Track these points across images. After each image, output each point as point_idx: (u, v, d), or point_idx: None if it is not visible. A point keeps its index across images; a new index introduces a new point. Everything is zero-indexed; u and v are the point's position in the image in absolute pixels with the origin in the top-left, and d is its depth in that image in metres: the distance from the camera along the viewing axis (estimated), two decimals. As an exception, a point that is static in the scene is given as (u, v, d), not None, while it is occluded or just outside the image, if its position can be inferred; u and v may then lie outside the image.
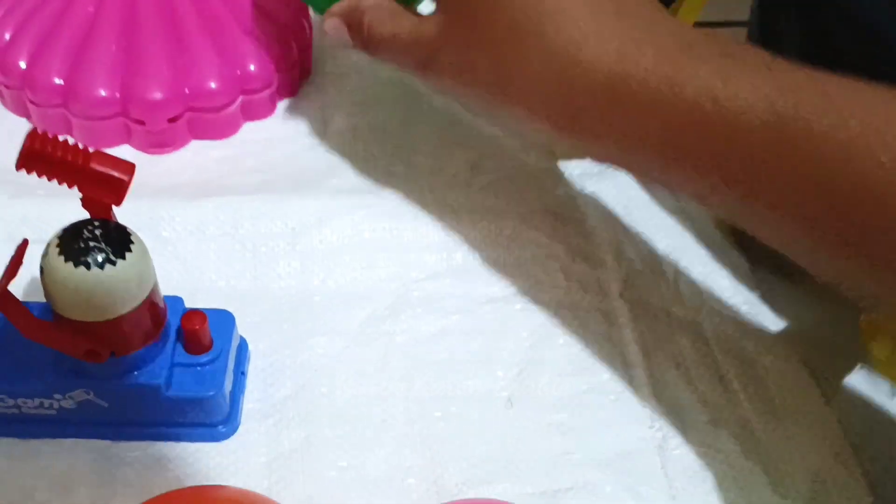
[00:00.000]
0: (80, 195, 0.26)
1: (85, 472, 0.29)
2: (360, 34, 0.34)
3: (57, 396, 0.29)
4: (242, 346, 0.33)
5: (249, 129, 0.42)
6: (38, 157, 0.24)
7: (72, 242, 0.26)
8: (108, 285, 0.26)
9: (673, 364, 0.34)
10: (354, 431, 0.31)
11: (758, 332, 0.36)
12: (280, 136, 0.42)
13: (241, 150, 0.41)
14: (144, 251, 0.27)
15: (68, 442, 0.30)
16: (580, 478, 0.31)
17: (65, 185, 0.25)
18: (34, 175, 0.25)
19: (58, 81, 0.39)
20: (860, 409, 0.35)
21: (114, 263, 0.26)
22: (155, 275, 0.28)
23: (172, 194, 0.37)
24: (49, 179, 0.25)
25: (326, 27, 0.36)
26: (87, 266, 0.25)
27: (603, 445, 0.32)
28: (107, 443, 0.30)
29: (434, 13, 0.32)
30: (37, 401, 0.29)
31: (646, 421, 0.33)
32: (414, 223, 0.38)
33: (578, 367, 0.34)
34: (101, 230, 0.26)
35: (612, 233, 0.39)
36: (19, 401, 0.29)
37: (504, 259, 0.37)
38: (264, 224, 0.37)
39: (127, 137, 0.40)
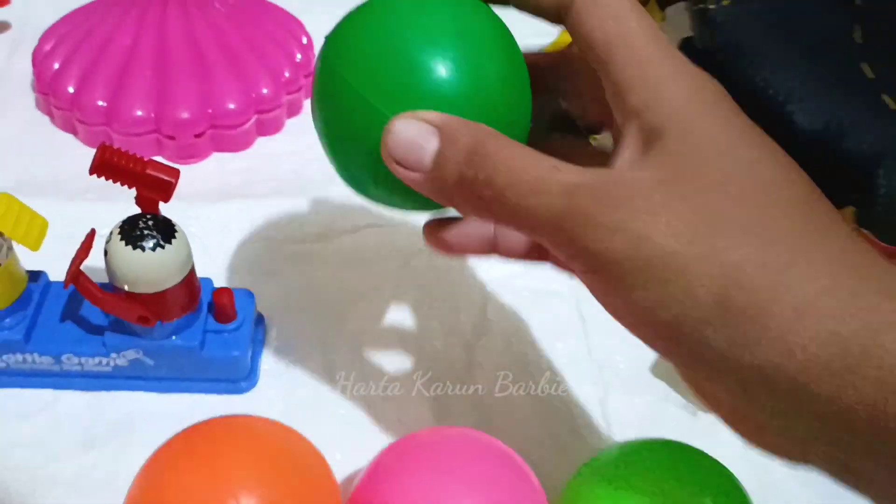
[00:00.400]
0: (136, 194, 0.33)
1: (135, 418, 0.36)
2: (470, 159, 0.23)
3: (113, 355, 0.36)
4: (260, 319, 0.40)
5: (262, 143, 0.50)
6: (107, 165, 0.32)
7: (130, 231, 0.33)
8: (158, 264, 0.33)
9: (612, 334, 0.42)
10: (347, 388, 0.38)
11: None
12: (288, 149, 0.49)
13: (256, 162, 0.49)
14: (185, 239, 0.34)
15: (121, 393, 0.37)
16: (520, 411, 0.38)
17: (108, 190, 0.33)
18: (91, 180, 0.32)
19: (101, 104, 0.47)
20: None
21: (163, 247, 0.33)
22: (192, 258, 0.35)
23: (200, 198, 0.45)
24: (114, 182, 0.32)
25: (400, 131, 0.23)
26: (143, 249, 0.33)
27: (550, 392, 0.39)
28: (152, 394, 0.37)
29: (633, 155, 0.22)
30: (97, 359, 0.36)
31: (589, 378, 0.40)
32: (402, 217, 0.45)
33: (536, 335, 0.41)
34: (152, 222, 0.33)
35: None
36: (82, 359, 0.36)
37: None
38: (276, 223, 0.44)
39: (159, 150, 0.48)
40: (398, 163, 0.24)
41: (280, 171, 0.48)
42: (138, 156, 0.32)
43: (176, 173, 0.33)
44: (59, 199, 0.44)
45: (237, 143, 0.49)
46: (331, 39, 0.26)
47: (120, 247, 0.33)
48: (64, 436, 0.36)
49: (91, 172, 0.32)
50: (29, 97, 0.51)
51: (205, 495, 0.28)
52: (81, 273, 0.34)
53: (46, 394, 0.37)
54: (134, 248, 0.33)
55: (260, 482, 0.28)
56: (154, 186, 0.32)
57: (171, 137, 0.47)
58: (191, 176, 0.46)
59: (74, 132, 0.48)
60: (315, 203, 0.46)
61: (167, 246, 0.33)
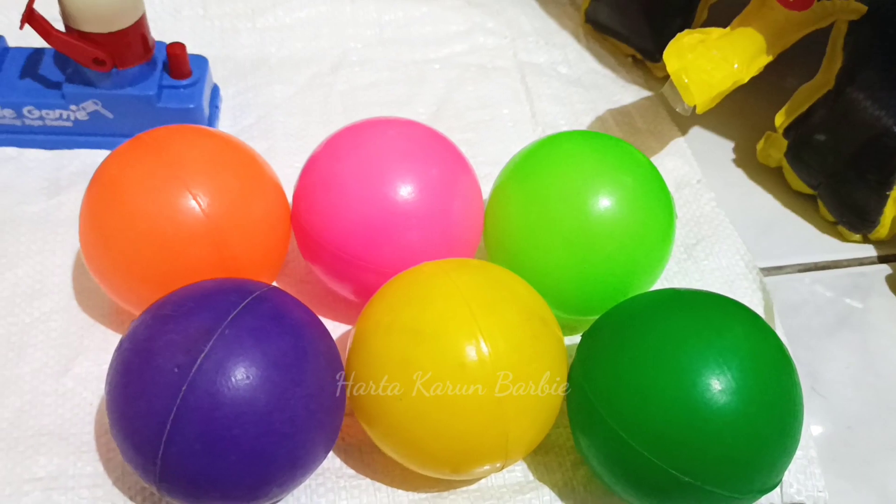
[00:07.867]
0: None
1: (93, 169, 0.38)
2: None
3: (73, 107, 0.37)
4: (215, 89, 0.41)
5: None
6: None
7: (81, -32, 0.34)
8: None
9: (554, 101, 0.44)
10: (303, 145, 0.40)
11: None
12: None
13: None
14: (136, -19, 0.35)
15: (83, 151, 0.39)
16: (483, 171, 0.40)
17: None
18: None
19: None
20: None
21: (113, -16, 0.34)
22: (144, 7, 0.36)
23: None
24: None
25: None
26: (94, -16, 0.34)
27: (500, 152, 0.41)
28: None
29: None
30: (57, 112, 0.37)
31: (531, 136, 0.42)
32: (352, 5, 0.46)
33: (483, 103, 0.43)
34: (102, -39, 0.34)
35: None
36: (43, 112, 0.37)
37: (425, 31, 0.46)
38: (229, 6, 0.46)
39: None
40: None
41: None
42: None
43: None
44: None
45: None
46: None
47: (72, -17, 0.34)
48: (29, 183, 0.37)
49: None
50: None
51: (161, 188, 0.29)
52: (36, 13, 0.35)
53: (10, 150, 0.38)
54: (85, -17, 0.34)
55: (211, 177, 0.30)
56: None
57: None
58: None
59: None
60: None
61: (118, -17, 0.34)
